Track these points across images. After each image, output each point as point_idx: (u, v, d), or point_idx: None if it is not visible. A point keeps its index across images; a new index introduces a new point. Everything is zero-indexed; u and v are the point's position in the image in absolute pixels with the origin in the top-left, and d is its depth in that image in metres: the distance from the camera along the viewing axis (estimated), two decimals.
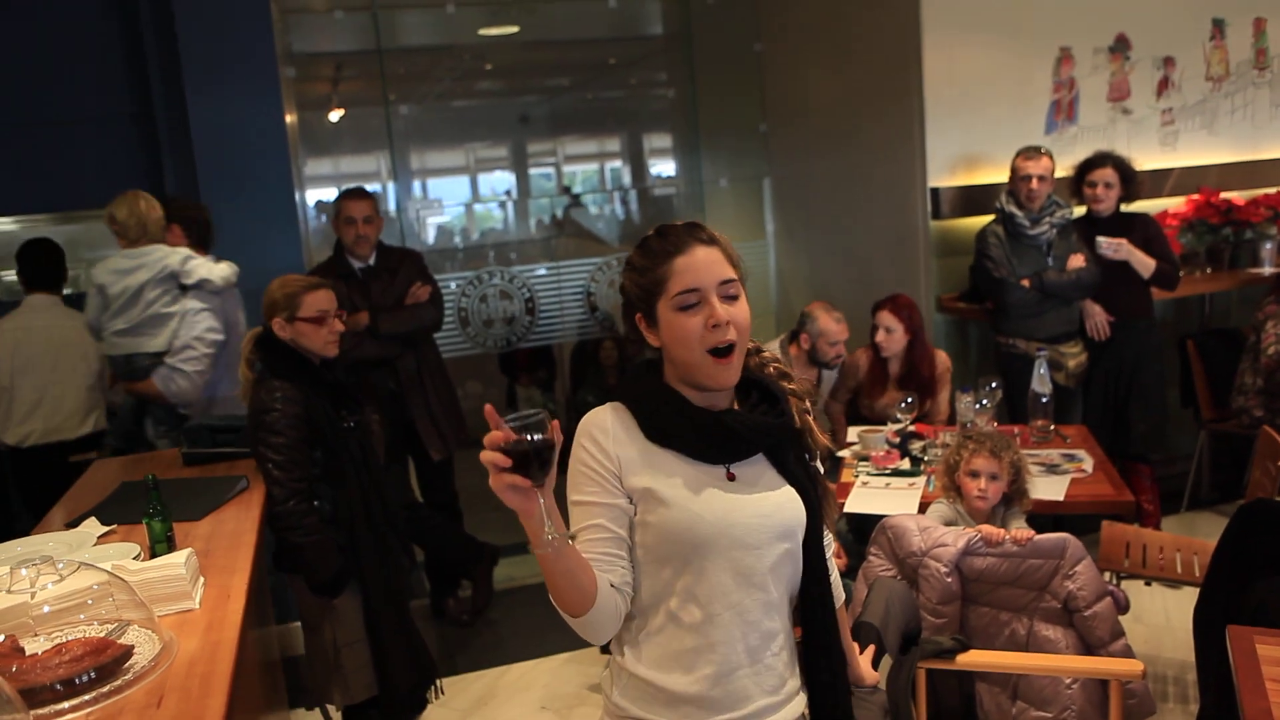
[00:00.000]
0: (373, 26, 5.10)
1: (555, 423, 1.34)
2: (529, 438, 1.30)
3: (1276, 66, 4.98)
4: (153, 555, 2.23)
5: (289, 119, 4.14)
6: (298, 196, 4.14)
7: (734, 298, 1.55)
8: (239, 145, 3.94)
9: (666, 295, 1.54)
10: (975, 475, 2.88)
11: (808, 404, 1.68)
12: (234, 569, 2.23)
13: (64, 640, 1.77)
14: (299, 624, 3.23)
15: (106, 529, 2.57)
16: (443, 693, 3.29)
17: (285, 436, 2.66)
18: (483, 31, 5.53)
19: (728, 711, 1.58)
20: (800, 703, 1.66)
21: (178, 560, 2.06)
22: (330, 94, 5.73)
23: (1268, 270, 4.83)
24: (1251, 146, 5.00)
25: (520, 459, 1.30)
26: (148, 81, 4.12)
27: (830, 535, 1.74)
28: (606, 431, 1.57)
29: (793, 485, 1.61)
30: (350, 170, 5.56)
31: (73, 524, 2.61)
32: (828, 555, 1.71)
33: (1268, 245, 4.88)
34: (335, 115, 5.62)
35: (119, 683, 1.72)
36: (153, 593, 1.99)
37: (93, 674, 1.70)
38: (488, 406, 1.35)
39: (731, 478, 1.58)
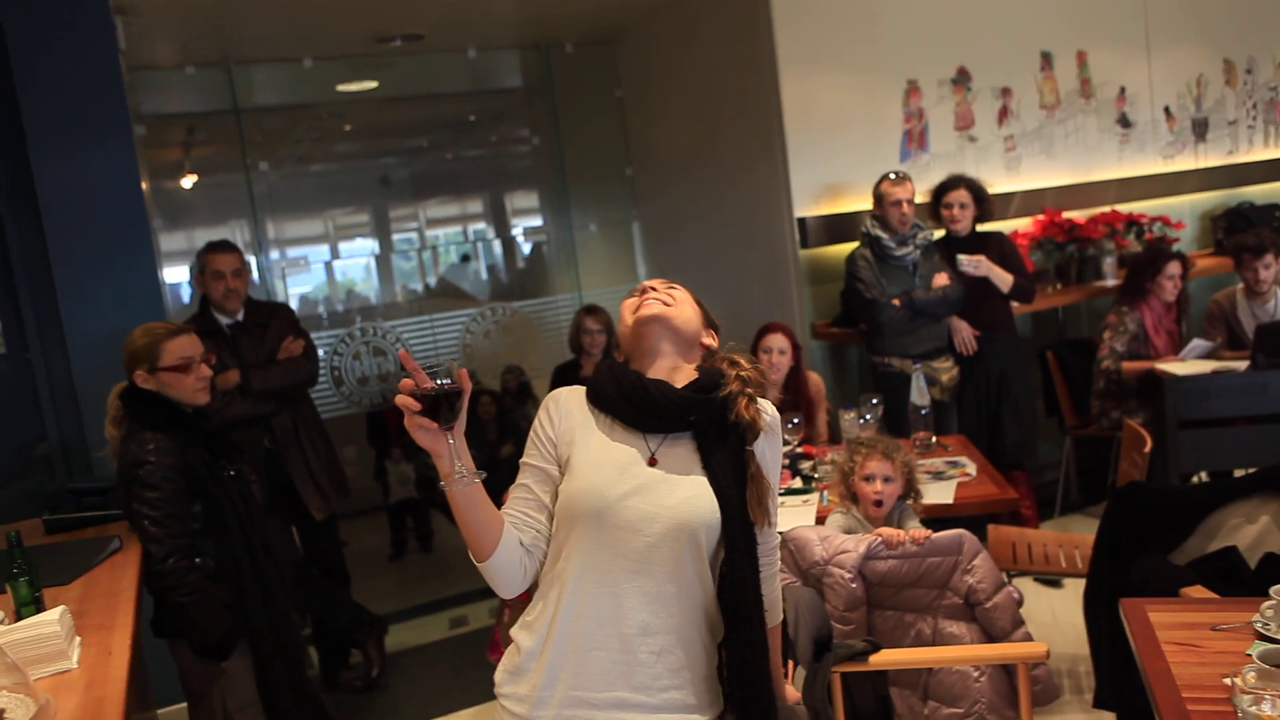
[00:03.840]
0: (227, 84, 4.95)
1: (464, 371, 1.48)
2: (438, 384, 1.45)
3: (1100, 95, 5.37)
4: (19, 618, 2.04)
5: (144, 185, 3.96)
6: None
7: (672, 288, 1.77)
8: (93, 212, 3.72)
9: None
10: (870, 479, 2.92)
11: (752, 391, 1.69)
12: (113, 625, 2.07)
13: None
14: (184, 705, 3.00)
15: None
16: None
17: (161, 490, 2.49)
18: (341, 87, 5.43)
19: (578, 689, 1.59)
20: None
21: (50, 618, 1.90)
22: (183, 159, 5.51)
23: (1110, 282, 5.14)
24: (1085, 169, 5.35)
25: (430, 403, 1.45)
26: None
27: (774, 540, 1.74)
28: (559, 403, 1.70)
29: (713, 482, 1.60)
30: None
31: None
32: (764, 563, 1.70)
33: (1108, 259, 5.21)
34: (190, 181, 5.41)
35: None
36: (24, 654, 1.82)
37: None
38: (401, 351, 1.49)
39: (653, 463, 1.62)
